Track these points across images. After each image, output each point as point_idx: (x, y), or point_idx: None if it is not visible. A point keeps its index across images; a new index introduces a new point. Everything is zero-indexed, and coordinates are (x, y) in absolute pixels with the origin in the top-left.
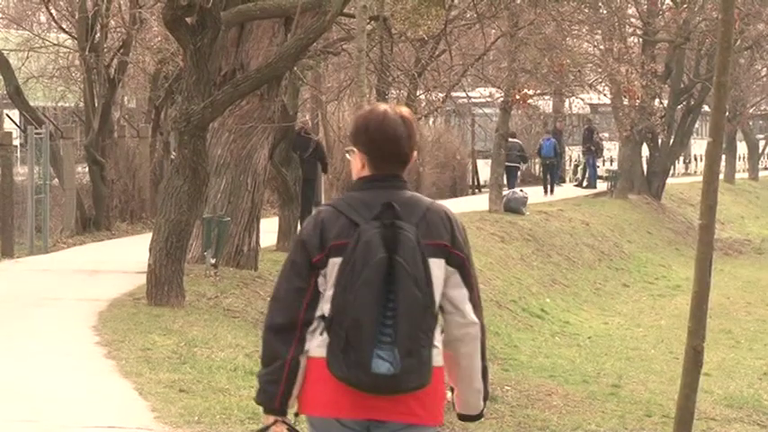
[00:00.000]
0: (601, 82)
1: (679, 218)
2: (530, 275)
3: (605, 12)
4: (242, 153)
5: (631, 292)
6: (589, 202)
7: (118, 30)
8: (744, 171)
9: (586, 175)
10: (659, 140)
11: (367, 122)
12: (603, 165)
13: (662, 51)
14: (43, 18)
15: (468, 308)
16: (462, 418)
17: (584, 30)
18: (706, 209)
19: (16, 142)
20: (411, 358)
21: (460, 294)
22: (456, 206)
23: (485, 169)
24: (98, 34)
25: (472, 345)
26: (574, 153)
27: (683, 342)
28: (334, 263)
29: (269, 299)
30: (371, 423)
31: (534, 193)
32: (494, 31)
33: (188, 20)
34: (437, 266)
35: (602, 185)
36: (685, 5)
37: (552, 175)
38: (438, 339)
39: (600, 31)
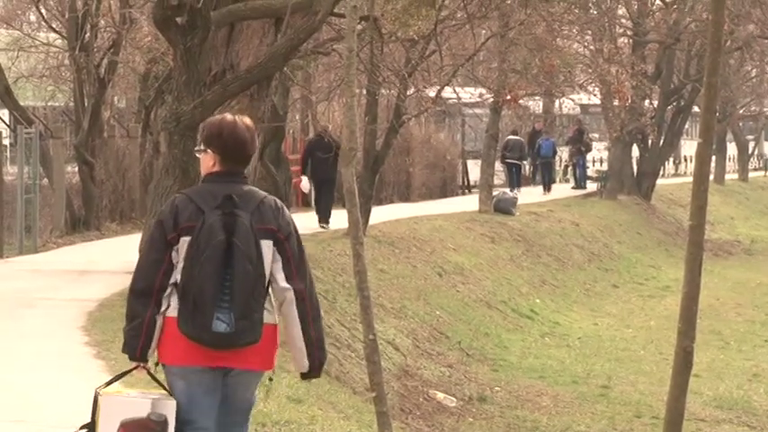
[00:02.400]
0: (591, 82)
1: (669, 219)
2: (519, 276)
3: (595, 12)
4: None
5: (621, 293)
6: (579, 203)
7: (108, 29)
8: (734, 172)
9: (576, 176)
10: (649, 141)
11: (221, 129)
12: (594, 165)
13: (652, 52)
14: (33, 17)
15: (281, 276)
16: (301, 376)
17: (574, 30)
18: (696, 209)
19: (6, 142)
20: (244, 320)
21: (277, 266)
22: (446, 207)
23: (474, 170)
24: (88, 34)
25: (290, 307)
26: (564, 154)
27: (672, 343)
28: (185, 241)
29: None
30: (218, 370)
31: (528, 194)
32: (484, 31)
33: (178, 20)
34: (267, 246)
35: (591, 186)
36: (675, 6)
37: (550, 174)
38: (270, 303)
39: (590, 32)
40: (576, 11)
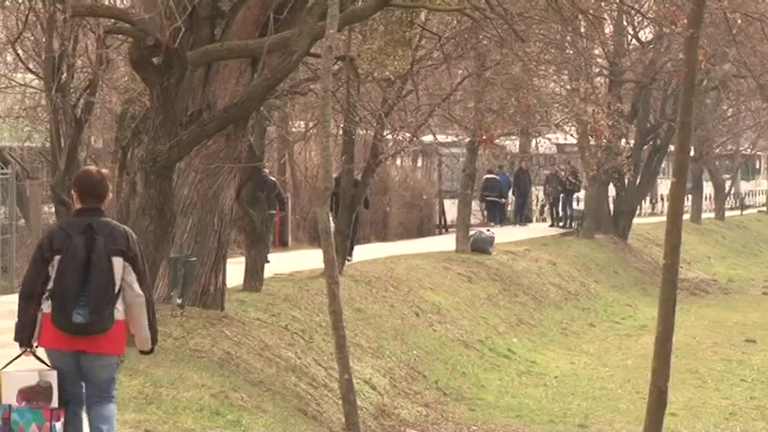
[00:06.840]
0: (567, 122)
1: (645, 258)
2: (496, 315)
3: (572, 52)
4: (208, 193)
5: (598, 332)
6: (555, 242)
7: (84, 70)
8: (710, 211)
9: (560, 215)
10: (626, 180)
11: (83, 176)
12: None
13: (628, 91)
14: (9, 58)
15: (136, 286)
16: (141, 352)
17: (550, 70)
18: (670, 248)
19: None
20: (96, 314)
21: (132, 278)
22: (423, 246)
23: (451, 209)
24: (64, 74)
25: (140, 308)
26: (540, 193)
27: (649, 382)
28: (57, 258)
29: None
30: (80, 353)
31: (506, 232)
32: (460, 71)
33: (154, 60)
34: (117, 262)
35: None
36: (651, 46)
37: (501, 209)
38: (120, 304)
39: (566, 72)
40: (553, 51)
